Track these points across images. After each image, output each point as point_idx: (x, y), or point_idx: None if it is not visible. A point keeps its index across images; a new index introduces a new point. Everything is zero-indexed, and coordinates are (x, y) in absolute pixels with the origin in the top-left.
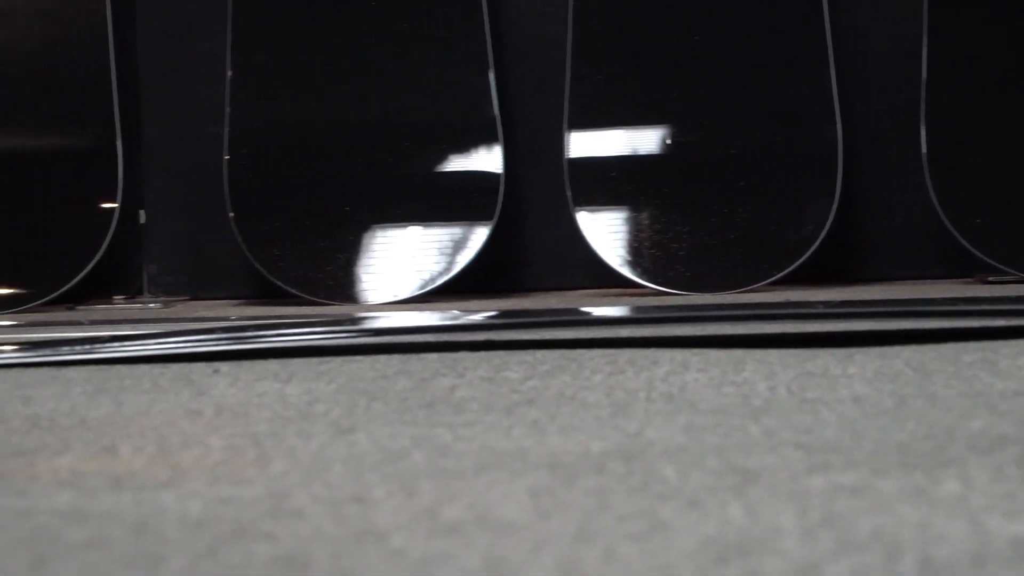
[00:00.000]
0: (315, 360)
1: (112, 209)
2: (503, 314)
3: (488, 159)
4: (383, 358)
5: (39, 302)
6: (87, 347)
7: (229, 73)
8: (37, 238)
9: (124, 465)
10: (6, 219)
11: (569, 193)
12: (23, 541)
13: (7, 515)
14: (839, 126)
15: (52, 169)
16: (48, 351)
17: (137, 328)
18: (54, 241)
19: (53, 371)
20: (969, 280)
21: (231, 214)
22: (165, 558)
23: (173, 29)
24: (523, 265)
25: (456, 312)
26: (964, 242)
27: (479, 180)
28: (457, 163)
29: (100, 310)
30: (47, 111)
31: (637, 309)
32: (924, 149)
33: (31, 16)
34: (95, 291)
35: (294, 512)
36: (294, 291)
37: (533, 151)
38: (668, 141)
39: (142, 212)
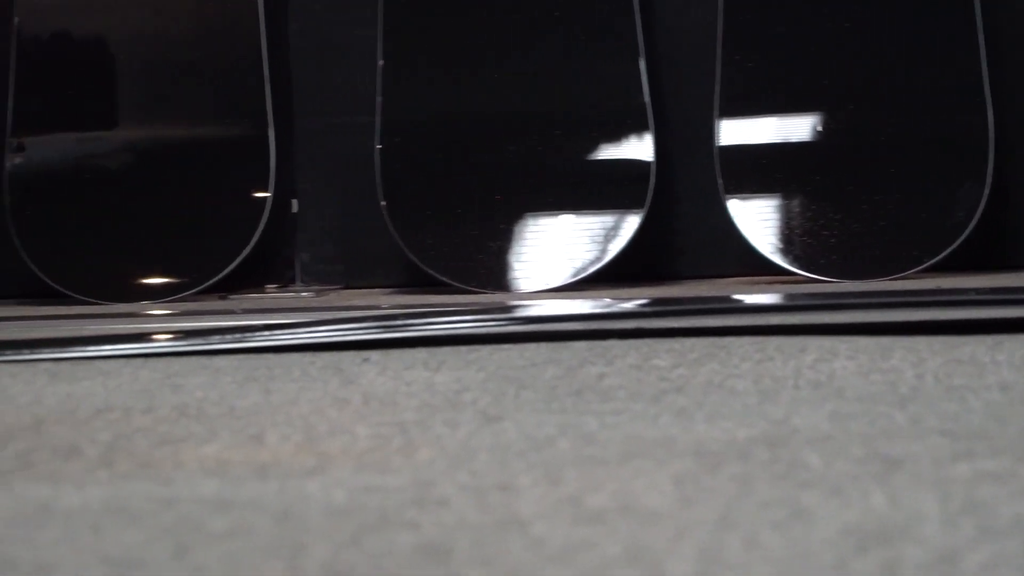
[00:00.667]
0: (465, 348)
1: (265, 198)
2: (653, 302)
3: (639, 147)
4: (532, 346)
5: (192, 291)
6: (238, 336)
7: (380, 62)
8: (190, 227)
9: (270, 453)
10: (160, 208)
11: (720, 181)
12: (167, 530)
13: (152, 504)
14: (990, 111)
15: (205, 159)
16: (199, 340)
17: (289, 317)
18: (207, 230)
19: (204, 360)
20: None
21: (383, 203)
22: (307, 547)
23: (325, 18)
24: (674, 253)
25: (608, 300)
26: None
27: (630, 168)
28: (608, 151)
29: (252, 299)
30: (200, 101)
31: (787, 296)
32: None
33: (185, 7)
34: (248, 280)
35: (438, 500)
36: (446, 280)
37: (684, 138)
38: (819, 128)
39: (294, 201)
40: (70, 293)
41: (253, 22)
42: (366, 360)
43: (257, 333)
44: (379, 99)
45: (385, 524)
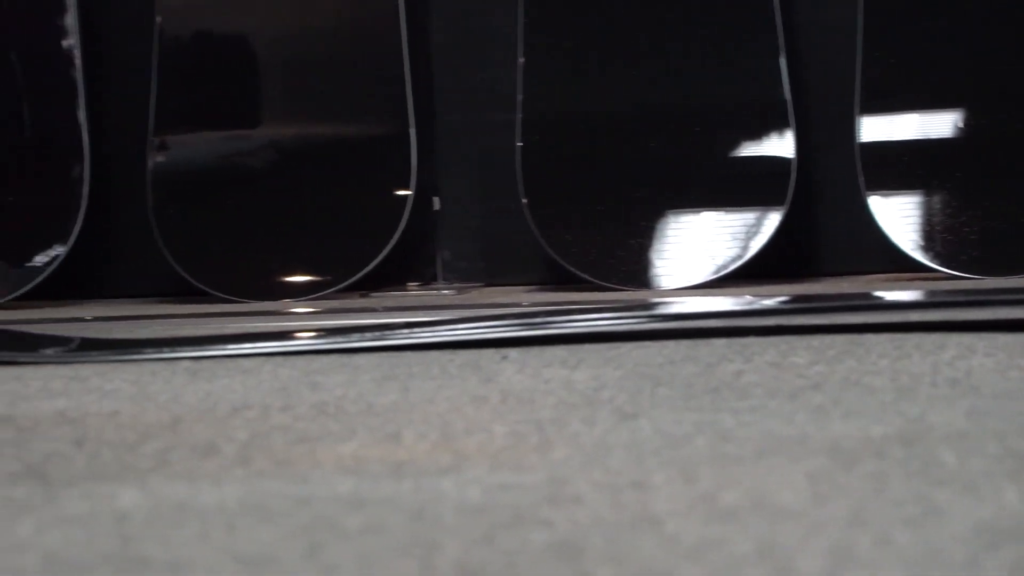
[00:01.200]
0: (604, 346)
1: (406, 196)
2: (793, 299)
3: (779, 144)
4: (671, 343)
5: (334, 289)
6: (378, 334)
7: (521, 60)
8: (332, 225)
9: (407, 452)
10: (302, 207)
11: (861, 178)
12: (301, 528)
13: (287, 502)
14: None
15: (347, 157)
16: (339, 338)
17: (429, 315)
18: (349, 228)
19: (343, 358)
20: None
21: (524, 200)
22: (440, 545)
23: (465, 16)
24: (815, 250)
25: (748, 297)
26: None
27: (771, 165)
28: (749, 148)
29: (394, 297)
30: (342, 99)
31: (927, 293)
32: None
33: (327, 5)
34: (389, 278)
35: (572, 498)
36: (586, 277)
37: (824, 136)
38: (960, 124)
39: (436, 199)
40: (212, 291)
41: (394, 19)
42: (505, 358)
43: (397, 331)
44: (519, 96)
45: (518, 522)
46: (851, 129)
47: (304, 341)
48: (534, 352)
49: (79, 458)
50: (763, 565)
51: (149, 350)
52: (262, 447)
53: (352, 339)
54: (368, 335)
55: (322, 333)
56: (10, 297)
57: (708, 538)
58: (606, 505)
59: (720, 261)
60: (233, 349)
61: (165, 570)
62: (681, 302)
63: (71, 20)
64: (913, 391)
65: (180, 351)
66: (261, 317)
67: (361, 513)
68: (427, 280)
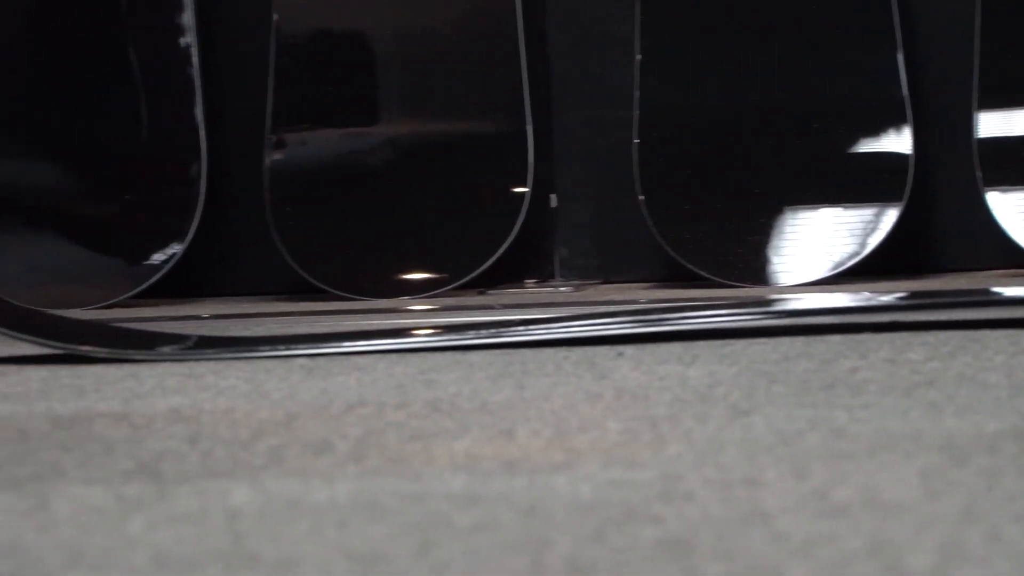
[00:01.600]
0: (719, 343)
1: (523, 193)
2: (910, 295)
3: (897, 140)
4: (787, 340)
5: (452, 286)
6: (493, 331)
7: (638, 57)
8: (450, 223)
9: (520, 449)
10: (421, 204)
11: (979, 173)
12: (413, 526)
13: (400, 500)
14: None
15: (464, 154)
16: (454, 335)
17: (546, 312)
18: (466, 225)
19: (459, 355)
20: None
21: (641, 197)
22: (551, 541)
23: (582, 12)
24: (932, 246)
25: (866, 294)
26: None
27: (888, 161)
28: (866, 144)
29: (511, 294)
30: (459, 96)
31: None
32: None
33: (443, 2)
34: (507, 275)
35: (684, 495)
36: (704, 274)
37: (942, 131)
38: None
39: (553, 196)
40: (329, 289)
41: (511, 16)
42: (620, 355)
43: (512, 328)
44: (636, 93)
45: (629, 518)
46: (969, 124)
47: (419, 339)
48: (649, 349)
49: (192, 455)
50: (873, 561)
51: (265, 348)
52: (376, 444)
53: (467, 336)
54: (484, 332)
55: (438, 330)
56: (128, 295)
57: (818, 534)
58: (717, 502)
59: (837, 258)
60: (349, 347)
61: (275, 567)
62: (797, 298)
63: (188, 18)
64: None
65: (296, 349)
66: (378, 315)
67: (473, 510)
68: (544, 277)
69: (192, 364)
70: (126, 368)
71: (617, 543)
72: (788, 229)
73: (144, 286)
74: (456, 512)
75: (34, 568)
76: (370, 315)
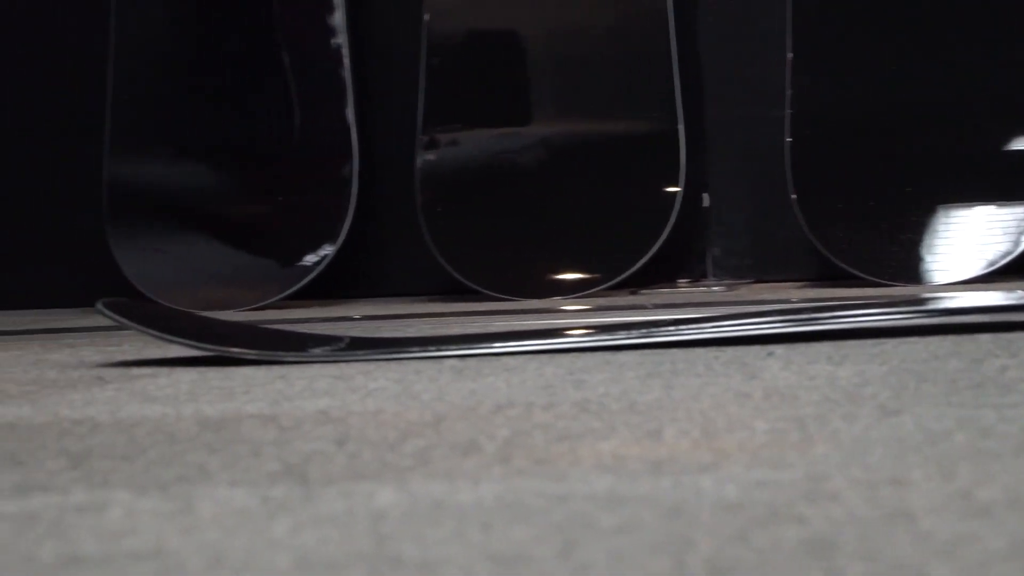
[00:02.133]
0: (870, 342)
1: (675, 193)
2: None
3: None
4: (937, 339)
5: (604, 286)
6: (643, 331)
7: (789, 55)
8: (602, 223)
9: (667, 449)
10: (573, 204)
11: None
12: (556, 527)
13: (544, 500)
14: None
15: (616, 153)
16: (604, 336)
17: (698, 312)
18: (619, 225)
19: (608, 355)
20: None
21: (793, 196)
22: (694, 542)
23: (734, 10)
24: None
25: (1020, 292)
26: None
27: None
28: (1020, 142)
29: (663, 294)
30: (610, 96)
31: None
32: None
33: (596, 1)
34: (659, 275)
35: (829, 495)
36: (857, 272)
37: None
38: None
39: (705, 195)
40: (481, 289)
41: (662, 15)
42: (771, 354)
43: (663, 328)
44: (788, 92)
45: (773, 519)
46: None
47: (569, 339)
48: (800, 348)
49: (339, 457)
50: (1016, 561)
51: (415, 349)
52: (523, 445)
53: (618, 336)
54: (634, 332)
55: (588, 331)
56: (280, 297)
57: (962, 534)
58: (862, 501)
59: (990, 256)
60: (499, 347)
61: (418, 569)
62: (948, 297)
63: (339, 19)
64: None
65: (446, 350)
66: (530, 315)
67: (617, 511)
68: (697, 277)
69: (342, 366)
70: (276, 370)
71: (760, 543)
72: (941, 227)
73: (296, 287)
74: (600, 513)
75: (177, 571)
76: (522, 316)
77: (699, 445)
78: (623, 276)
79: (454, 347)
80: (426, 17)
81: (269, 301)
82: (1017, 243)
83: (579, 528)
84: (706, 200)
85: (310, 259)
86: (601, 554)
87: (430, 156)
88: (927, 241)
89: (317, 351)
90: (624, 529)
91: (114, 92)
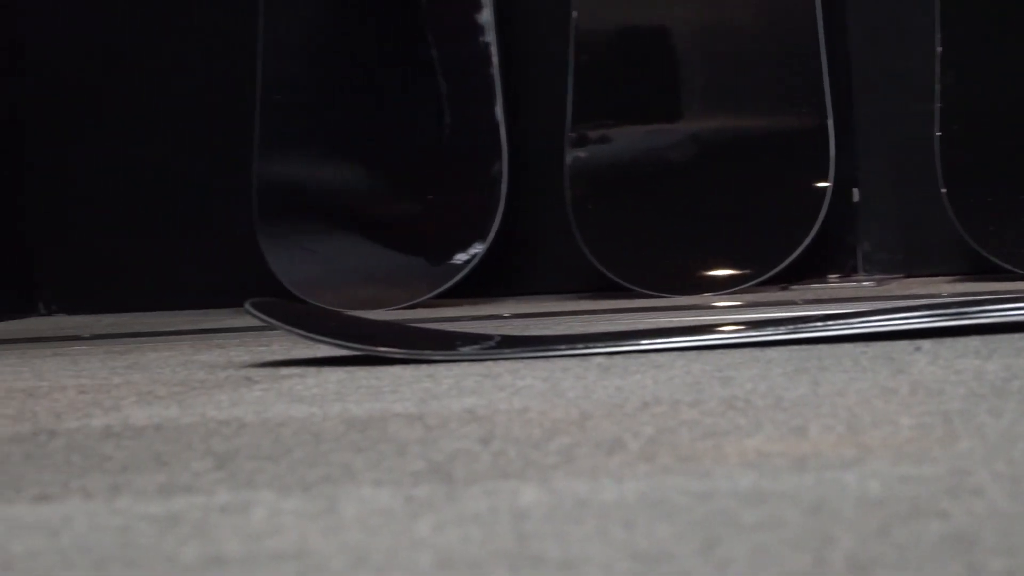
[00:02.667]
0: (1019, 336)
1: (825, 188)
2: None
3: None
4: None
5: (755, 282)
6: (791, 327)
7: (939, 49)
8: (752, 218)
9: (811, 445)
10: (723, 199)
11: None
12: (697, 523)
13: (687, 497)
14: None
15: (765, 148)
16: (752, 332)
17: (847, 307)
18: (768, 221)
19: (756, 351)
20: None
21: (943, 190)
22: (835, 538)
23: (882, 5)
24: None
25: None
26: None
27: None
28: None
29: (814, 289)
30: (759, 91)
31: None
32: None
33: None
34: (810, 270)
35: (972, 490)
36: (1008, 267)
37: None
38: None
39: (855, 190)
40: (631, 286)
41: (810, 10)
42: (918, 349)
43: (811, 324)
44: (937, 86)
45: (915, 514)
46: None
47: (717, 336)
48: (948, 343)
49: (484, 456)
50: None
51: (563, 346)
52: (667, 442)
53: (766, 332)
54: (782, 328)
55: (736, 327)
56: (430, 295)
57: None
58: (1005, 496)
59: None
60: (646, 344)
61: (559, 568)
62: None
63: (487, 16)
64: None
65: (594, 347)
66: (680, 312)
67: (760, 507)
68: (847, 272)
69: (490, 364)
70: (424, 369)
71: (901, 539)
72: None
73: (446, 286)
74: (742, 509)
75: (318, 571)
76: (672, 312)
77: (843, 441)
78: (773, 272)
79: (602, 344)
80: (574, 14)
81: (419, 300)
82: None
83: (721, 525)
84: (856, 195)
85: (460, 257)
86: (742, 551)
87: (579, 153)
88: None
89: (465, 349)
90: (766, 525)
91: (263, 92)
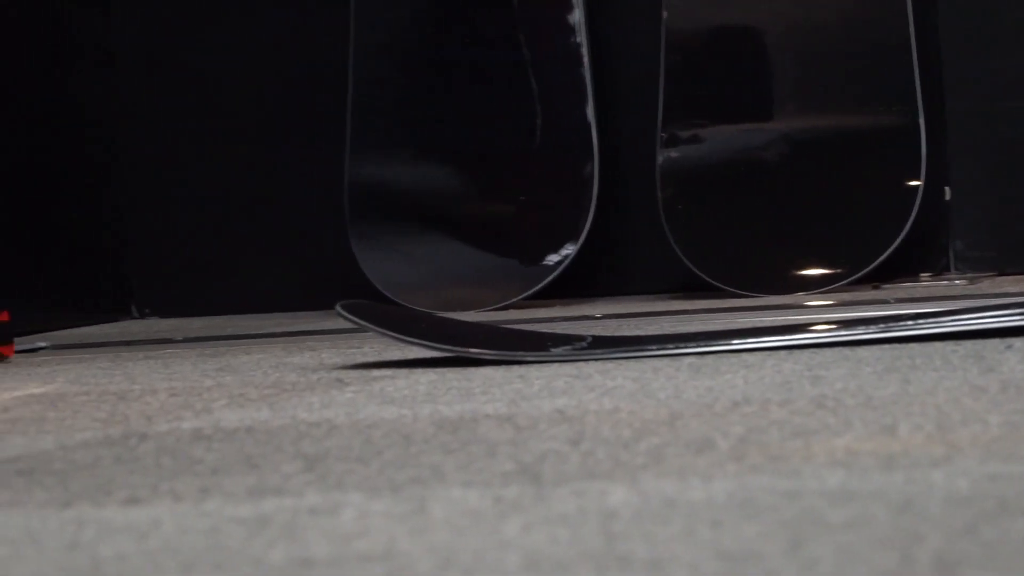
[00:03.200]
0: None
1: (916, 186)
2: None
3: None
4: None
5: (847, 280)
6: (882, 326)
7: None
8: (844, 217)
9: (900, 444)
10: (813, 199)
11: None
12: (785, 523)
13: (775, 497)
14: None
15: (857, 147)
16: (843, 331)
17: (938, 306)
18: (860, 220)
19: (847, 351)
20: None
21: None
22: (923, 536)
23: (973, 2)
24: None
25: None
26: None
27: None
28: None
29: (905, 288)
30: (851, 89)
31: None
32: None
33: None
34: (901, 268)
35: None
36: None
37: None
38: None
39: (947, 189)
40: (722, 286)
41: (901, 8)
42: (1009, 347)
43: (902, 323)
44: None
45: (1003, 512)
46: None
47: (808, 335)
48: None
49: (573, 456)
50: None
51: (654, 346)
52: (757, 442)
53: (856, 331)
54: (872, 328)
55: (827, 326)
56: (522, 296)
57: None
58: None
59: None
60: (738, 344)
61: (646, 568)
62: None
63: (578, 17)
64: None
65: (685, 347)
66: (772, 311)
67: (847, 506)
68: (939, 271)
69: (580, 365)
70: (515, 370)
71: (988, 537)
72: None
73: (538, 287)
74: (830, 509)
75: (406, 572)
76: (763, 312)
77: (932, 439)
78: (865, 271)
79: (693, 344)
80: (665, 15)
81: (511, 301)
82: None
83: (808, 524)
84: (948, 193)
85: (552, 258)
86: (829, 550)
87: (671, 153)
88: None
89: (557, 350)
90: (853, 524)
91: (355, 95)
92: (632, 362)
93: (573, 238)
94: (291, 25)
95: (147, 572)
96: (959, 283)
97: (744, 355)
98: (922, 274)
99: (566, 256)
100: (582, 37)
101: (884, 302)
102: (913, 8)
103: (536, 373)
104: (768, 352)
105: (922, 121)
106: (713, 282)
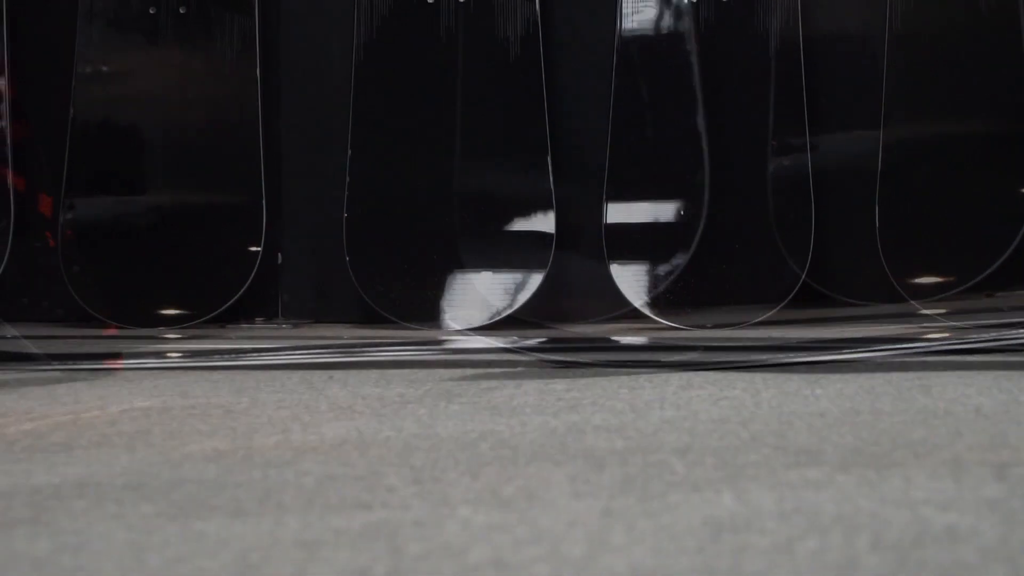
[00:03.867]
0: None
1: None
2: None
3: None
4: None
5: (959, 289)
6: (994, 335)
7: None
8: (955, 225)
9: (1011, 453)
10: (925, 206)
11: None
12: (892, 536)
13: (881, 507)
14: None
15: (968, 154)
16: (957, 341)
17: None
18: (972, 228)
19: (958, 359)
20: None
21: None
22: None
23: None
24: None
25: None
26: None
27: None
28: None
29: (1018, 296)
30: (963, 96)
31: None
32: None
33: (940, 5)
34: (1015, 276)
35: None
36: None
37: None
38: None
39: None
40: (832, 295)
41: (1013, 15)
42: None
43: (1015, 330)
44: None
45: None
46: None
47: (919, 344)
48: None
49: (680, 467)
50: None
51: (764, 356)
52: (866, 452)
53: (969, 341)
54: (985, 335)
55: (939, 336)
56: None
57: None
58: None
59: None
60: (848, 353)
61: None
62: None
63: (687, 24)
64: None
65: (795, 356)
66: (882, 320)
67: (947, 514)
68: None
69: (691, 374)
70: (625, 380)
71: None
72: None
73: (650, 296)
74: (936, 516)
75: None
76: (875, 320)
77: None
78: (978, 279)
79: (803, 354)
80: (773, 23)
81: (622, 310)
82: None
83: (913, 536)
84: None
85: (662, 268)
86: (935, 565)
87: (781, 161)
88: None
89: (666, 360)
90: (959, 535)
91: (463, 104)
92: (742, 372)
93: (684, 247)
94: (401, 37)
95: None
96: None
97: (855, 364)
98: None
99: (676, 266)
100: (691, 45)
101: (998, 310)
102: None
103: (645, 383)
104: (878, 361)
105: None
106: (823, 290)
